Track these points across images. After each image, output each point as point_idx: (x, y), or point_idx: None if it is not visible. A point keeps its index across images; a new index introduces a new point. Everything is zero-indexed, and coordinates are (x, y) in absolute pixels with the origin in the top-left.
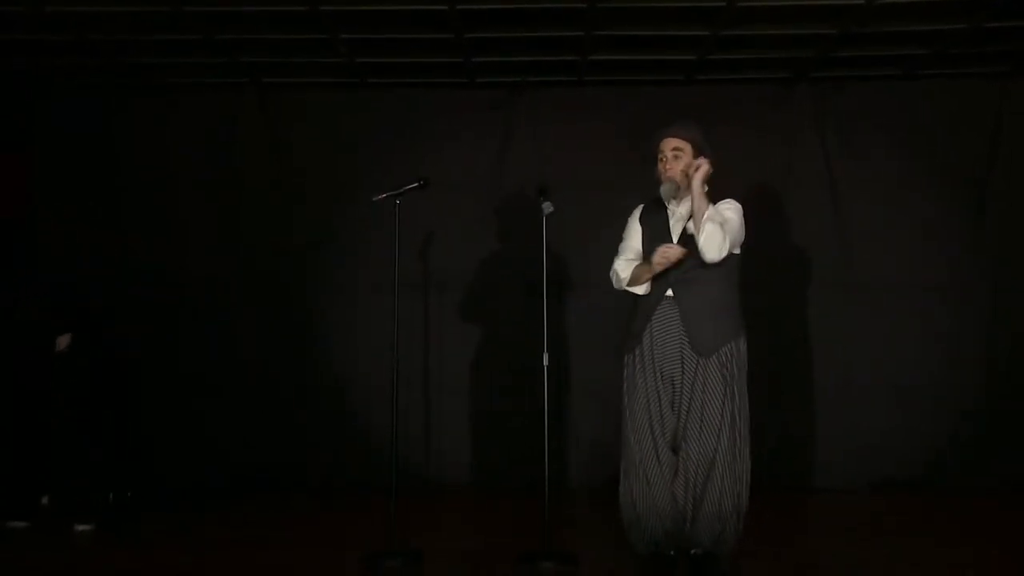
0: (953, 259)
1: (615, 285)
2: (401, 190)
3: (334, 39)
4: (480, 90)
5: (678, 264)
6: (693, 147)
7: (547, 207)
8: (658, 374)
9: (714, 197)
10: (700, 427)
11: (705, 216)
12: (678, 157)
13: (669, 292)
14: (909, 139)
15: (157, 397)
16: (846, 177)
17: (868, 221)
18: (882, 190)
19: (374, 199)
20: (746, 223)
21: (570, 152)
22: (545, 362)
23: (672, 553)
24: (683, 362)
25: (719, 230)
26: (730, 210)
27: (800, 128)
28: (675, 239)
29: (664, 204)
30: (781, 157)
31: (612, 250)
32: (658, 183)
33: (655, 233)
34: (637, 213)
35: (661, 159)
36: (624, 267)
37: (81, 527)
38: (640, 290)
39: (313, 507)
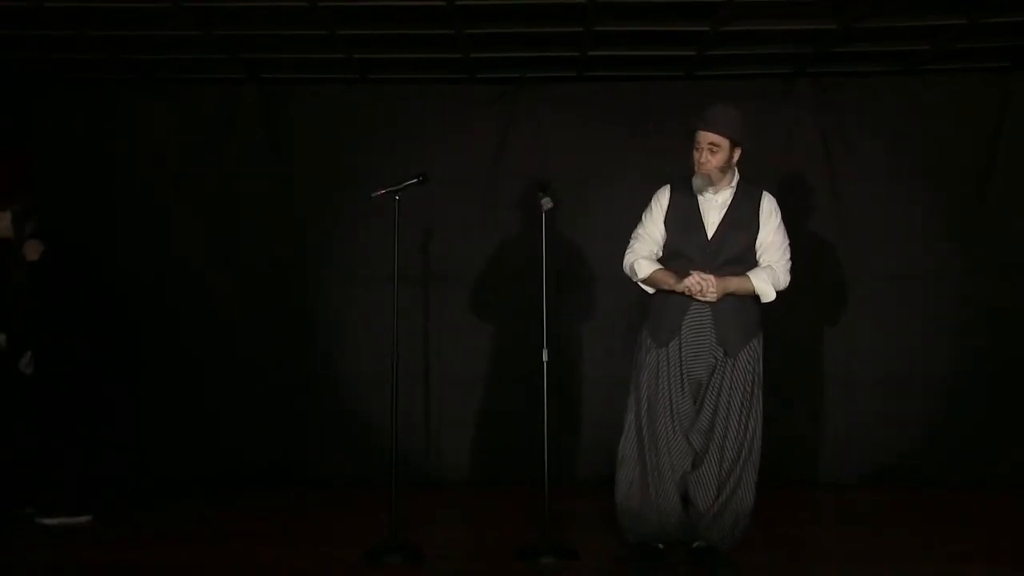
0: (954, 253)
1: (627, 273)
2: (400, 186)
3: (333, 35)
4: (480, 86)
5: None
6: (731, 143)
7: (546, 203)
8: (684, 371)
9: (745, 183)
10: (727, 426)
11: (753, 283)
12: (714, 152)
13: (713, 297)
14: (909, 134)
15: (155, 392)
16: (846, 172)
17: (868, 215)
18: (882, 185)
19: (373, 195)
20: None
21: (569, 148)
22: (544, 358)
23: (661, 546)
24: (713, 360)
25: (767, 284)
26: (776, 231)
27: (800, 123)
28: (709, 230)
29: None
30: (780, 152)
31: (611, 245)
32: (691, 171)
33: (687, 221)
34: (664, 196)
35: (697, 148)
36: (645, 267)
37: (80, 519)
38: (651, 289)
39: (313, 502)
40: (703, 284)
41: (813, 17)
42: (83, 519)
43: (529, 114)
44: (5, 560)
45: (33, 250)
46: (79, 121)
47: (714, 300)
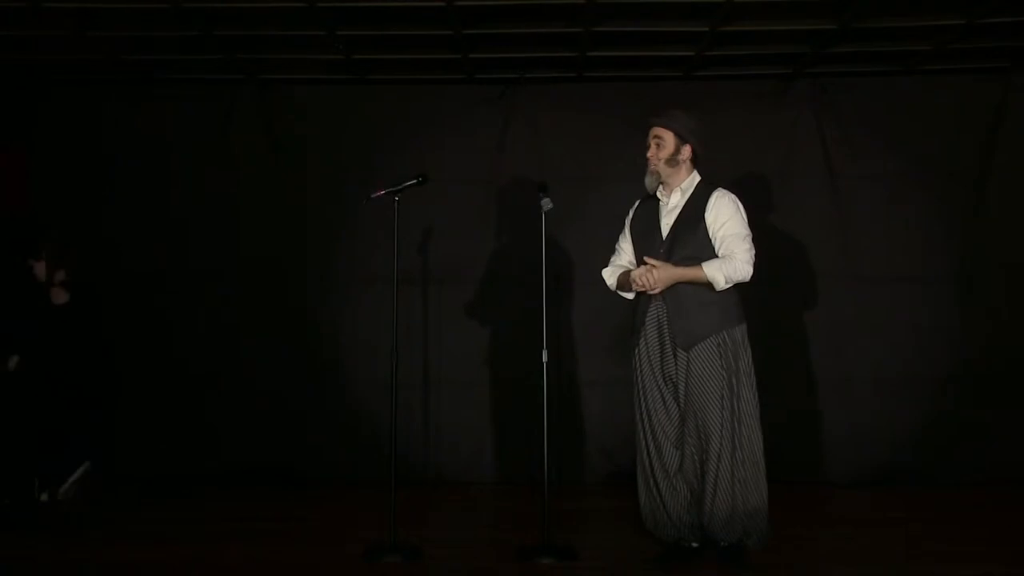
0: (953, 253)
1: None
2: (400, 186)
3: (332, 36)
4: (478, 86)
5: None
6: (675, 135)
7: (546, 204)
8: (655, 370)
9: (703, 184)
10: (698, 422)
11: (704, 271)
12: (659, 146)
13: (659, 288)
14: (908, 134)
15: (155, 391)
16: (845, 172)
17: (867, 215)
18: (881, 185)
19: (372, 195)
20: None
21: (568, 148)
22: (544, 359)
23: (695, 545)
24: (675, 357)
25: (718, 272)
26: (729, 223)
27: (799, 124)
28: (664, 232)
29: (657, 195)
30: (780, 152)
31: (610, 246)
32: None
33: (646, 227)
34: (632, 209)
35: (647, 144)
36: (611, 273)
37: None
38: (629, 295)
39: (312, 501)
40: (646, 274)
41: (813, 17)
42: (84, 467)
43: (528, 114)
44: (5, 560)
45: (58, 295)
46: (79, 121)
47: (659, 289)
